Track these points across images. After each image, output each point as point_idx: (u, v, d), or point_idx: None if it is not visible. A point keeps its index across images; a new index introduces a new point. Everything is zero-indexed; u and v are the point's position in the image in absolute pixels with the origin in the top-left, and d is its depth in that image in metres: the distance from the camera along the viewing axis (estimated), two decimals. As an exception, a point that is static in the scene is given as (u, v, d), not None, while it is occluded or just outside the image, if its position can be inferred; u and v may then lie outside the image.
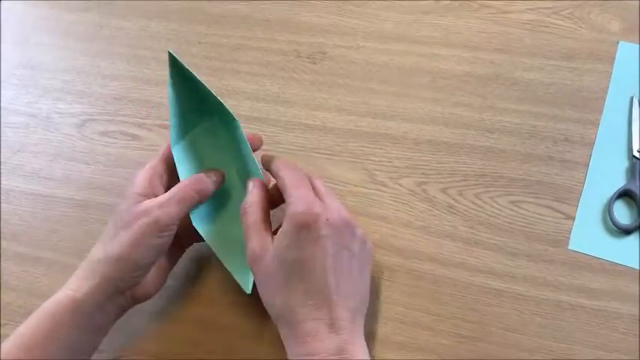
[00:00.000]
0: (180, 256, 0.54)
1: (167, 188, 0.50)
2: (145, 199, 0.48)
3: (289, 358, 0.44)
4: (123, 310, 0.49)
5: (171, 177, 0.52)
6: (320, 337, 0.43)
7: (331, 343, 0.42)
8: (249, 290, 0.51)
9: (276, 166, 0.50)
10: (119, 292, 0.47)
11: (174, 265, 0.53)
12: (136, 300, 0.50)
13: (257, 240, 0.47)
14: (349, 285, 0.45)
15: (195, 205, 0.50)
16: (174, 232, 0.49)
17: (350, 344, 0.43)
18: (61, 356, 0.45)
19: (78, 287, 0.46)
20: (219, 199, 0.55)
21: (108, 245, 0.47)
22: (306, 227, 0.44)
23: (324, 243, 0.44)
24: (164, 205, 0.48)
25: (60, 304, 0.45)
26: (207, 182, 0.51)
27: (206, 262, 0.58)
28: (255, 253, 0.46)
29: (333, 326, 0.43)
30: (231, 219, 0.54)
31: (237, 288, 0.52)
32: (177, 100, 0.51)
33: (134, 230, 0.46)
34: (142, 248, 0.46)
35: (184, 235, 0.52)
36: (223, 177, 0.53)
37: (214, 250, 0.53)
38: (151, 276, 0.50)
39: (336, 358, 0.42)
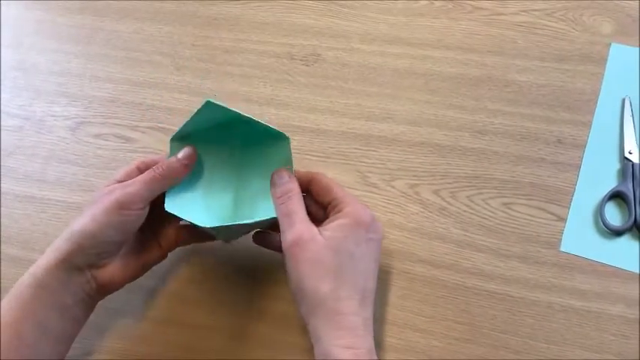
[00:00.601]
0: (159, 256, 0.53)
1: None
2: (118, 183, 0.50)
3: (320, 349, 0.44)
4: (89, 297, 0.49)
5: None
6: (359, 334, 0.44)
7: (367, 342, 0.44)
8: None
9: (314, 173, 0.52)
10: (78, 269, 0.47)
11: (149, 262, 0.52)
12: (101, 287, 0.49)
13: (303, 225, 0.47)
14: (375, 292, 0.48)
15: (166, 186, 0.51)
16: (138, 213, 0.48)
17: (374, 348, 0.45)
18: (34, 337, 0.45)
19: (39, 264, 0.47)
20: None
21: (72, 222, 0.48)
22: (364, 227, 0.47)
23: (374, 245, 0.48)
24: (129, 185, 0.49)
25: (23, 282, 0.46)
26: (176, 165, 0.51)
27: (198, 265, 0.58)
28: (302, 237, 0.46)
29: (366, 326, 0.45)
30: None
31: (225, 290, 0.53)
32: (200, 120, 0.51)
33: (97, 206, 0.47)
34: (102, 225, 0.47)
35: (162, 234, 0.53)
36: (194, 157, 0.52)
37: (212, 225, 0.51)
38: (118, 264, 0.50)
39: (368, 358, 0.43)
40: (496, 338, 0.53)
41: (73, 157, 0.66)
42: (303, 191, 0.50)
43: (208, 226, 0.50)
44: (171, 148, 0.53)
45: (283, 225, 0.48)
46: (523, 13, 0.69)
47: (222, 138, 0.54)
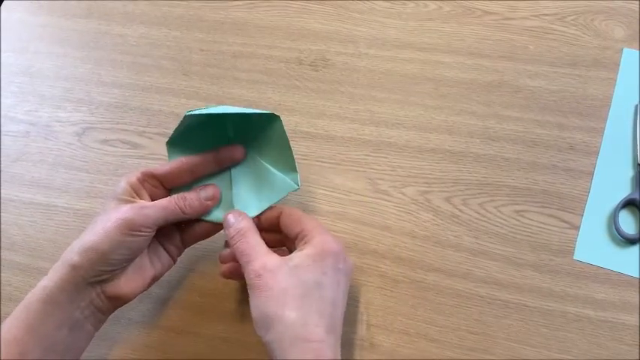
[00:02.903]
0: (167, 264, 0.53)
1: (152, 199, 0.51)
2: (130, 199, 0.49)
3: None
4: (100, 312, 0.49)
5: (158, 189, 0.52)
6: None
7: None
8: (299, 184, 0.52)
9: (284, 207, 0.53)
10: (88, 285, 0.47)
11: (159, 272, 0.52)
12: (112, 301, 0.49)
13: (266, 257, 0.47)
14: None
15: (181, 219, 0.51)
16: (148, 235, 0.49)
17: None
18: (40, 353, 0.45)
19: (49, 277, 0.46)
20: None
21: (83, 235, 0.48)
22: (332, 256, 0.47)
23: (342, 275, 0.48)
24: (147, 207, 0.48)
25: (34, 294, 0.46)
26: (197, 204, 0.51)
27: (210, 275, 0.58)
28: (265, 267, 0.46)
29: (335, 355, 0.44)
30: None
31: (238, 300, 0.52)
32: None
33: (110, 223, 0.47)
34: (113, 242, 0.46)
35: (167, 239, 0.53)
36: (216, 198, 0.53)
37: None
38: (127, 277, 0.49)
39: None
40: (510, 348, 0.52)
41: (80, 163, 0.65)
42: (272, 225, 0.52)
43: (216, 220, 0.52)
44: (169, 152, 0.53)
45: (242, 262, 0.47)
46: (534, 18, 0.68)
47: (217, 129, 0.54)
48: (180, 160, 0.52)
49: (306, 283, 0.45)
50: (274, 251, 0.48)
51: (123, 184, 0.50)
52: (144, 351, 0.55)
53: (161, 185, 0.52)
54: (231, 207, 0.53)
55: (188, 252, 0.55)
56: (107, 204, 0.49)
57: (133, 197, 0.50)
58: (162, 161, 0.63)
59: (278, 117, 0.52)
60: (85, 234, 0.47)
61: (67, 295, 0.46)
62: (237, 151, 0.54)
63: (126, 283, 0.49)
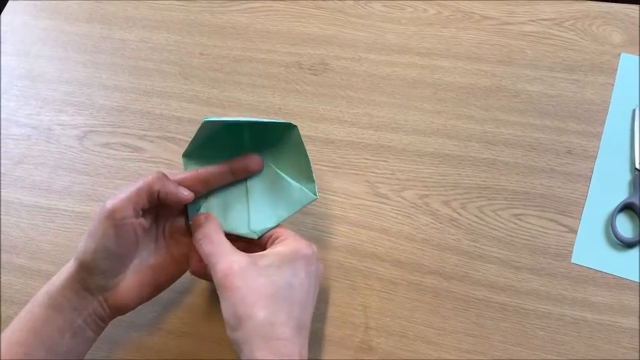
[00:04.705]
0: (175, 273, 0.53)
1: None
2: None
3: None
4: (101, 320, 0.49)
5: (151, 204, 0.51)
6: None
7: None
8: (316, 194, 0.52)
9: None
10: (89, 291, 0.47)
11: (165, 280, 0.52)
12: (113, 309, 0.49)
13: (232, 256, 0.46)
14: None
15: (156, 197, 0.49)
16: (131, 222, 0.47)
17: None
18: (43, 354, 0.45)
19: (54, 282, 0.47)
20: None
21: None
22: (303, 258, 0.48)
23: (313, 278, 0.48)
24: (118, 192, 0.48)
25: (37, 300, 0.47)
26: (166, 184, 0.49)
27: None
28: (232, 267, 0.45)
29: (302, 355, 0.45)
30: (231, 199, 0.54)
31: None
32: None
33: (93, 222, 0.47)
34: (98, 238, 0.46)
35: (175, 248, 0.52)
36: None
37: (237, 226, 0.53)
38: (130, 285, 0.49)
39: None
40: (507, 351, 0.53)
41: (81, 166, 0.65)
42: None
43: (242, 233, 0.52)
44: (185, 163, 0.53)
45: (210, 262, 0.47)
46: (532, 23, 0.69)
47: (233, 139, 0.54)
48: (196, 170, 0.52)
49: (276, 283, 0.45)
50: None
51: (120, 200, 0.48)
52: (144, 352, 0.55)
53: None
54: (247, 218, 0.53)
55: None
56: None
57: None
58: (163, 165, 0.64)
59: (295, 126, 0.51)
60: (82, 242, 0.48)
61: (68, 301, 0.47)
62: (254, 161, 0.53)
63: (129, 291, 0.49)
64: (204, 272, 0.50)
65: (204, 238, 0.49)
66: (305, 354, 0.45)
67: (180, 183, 0.50)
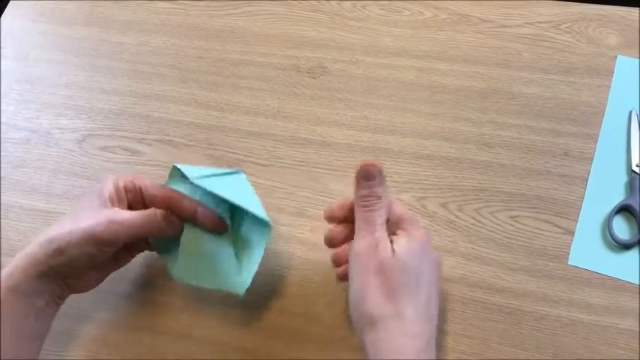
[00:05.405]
0: (125, 260, 0.54)
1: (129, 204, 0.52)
2: (108, 205, 0.49)
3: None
4: (60, 298, 0.50)
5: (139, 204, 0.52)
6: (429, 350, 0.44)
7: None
8: (244, 290, 0.51)
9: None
10: (50, 278, 0.48)
11: (115, 267, 0.53)
12: (73, 290, 0.51)
13: (383, 233, 0.45)
14: None
15: (151, 235, 0.52)
16: (113, 251, 0.50)
17: None
18: (12, 339, 0.46)
19: (17, 265, 0.47)
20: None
21: (54, 226, 0.49)
22: (429, 246, 0.47)
23: (436, 264, 0.47)
24: (115, 222, 0.48)
25: (3, 282, 0.47)
26: (161, 225, 0.50)
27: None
28: (378, 246, 0.44)
29: (430, 345, 0.44)
30: (198, 243, 0.54)
31: (200, 298, 0.55)
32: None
33: (78, 230, 0.47)
34: (75, 249, 0.47)
35: (133, 246, 0.54)
36: (180, 226, 0.53)
37: (186, 279, 0.53)
38: (91, 276, 0.51)
39: None
40: (504, 352, 0.53)
41: (80, 169, 0.66)
42: (346, 216, 0.48)
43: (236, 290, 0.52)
44: (169, 177, 0.54)
45: (362, 230, 0.45)
46: (528, 26, 0.69)
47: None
48: (172, 190, 0.52)
49: (406, 275, 0.44)
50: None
51: (110, 185, 0.51)
52: (104, 348, 0.56)
53: (143, 202, 0.52)
54: (235, 275, 0.53)
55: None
56: (88, 196, 0.51)
57: (113, 202, 0.50)
58: (162, 168, 0.64)
59: (269, 226, 0.51)
60: (56, 224, 0.49)
61: (29, 285, 0.47)
62: (220, 226, 0.53)
63: (89, 281, 0.51)
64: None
65: (372, 199, 0.45)
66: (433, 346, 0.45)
67: (154, 197, 0.52)
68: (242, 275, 0.52)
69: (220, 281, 0.52)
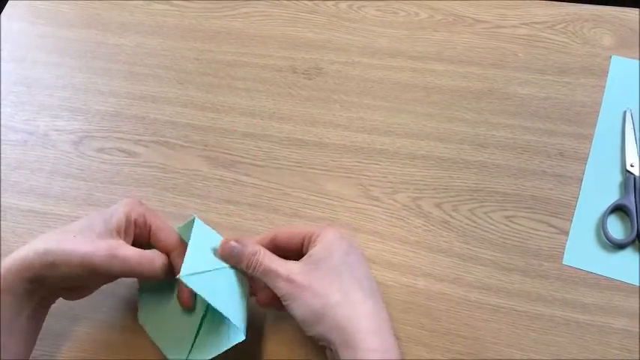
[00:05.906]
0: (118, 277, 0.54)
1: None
2: (115, 236, 0.49)
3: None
4: (53, 298, 0.51)
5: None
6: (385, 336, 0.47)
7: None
8: (243, 335, 0.48)
9: (274, 228, 0.54)
10: (44, 287, 0.48)
11: (107, 281, 0.54)
12: (64, 295, 0.52)
13: (287, 264, 0.48)
14: None
15: (138, 276, 0.52)
16: (106, 280, 0.53)
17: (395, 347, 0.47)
18: (5, 338, 0.46)
19: (9, 268, 0.47)
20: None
21: (54, 233, 0.49)
22: (346, 240, 0.50)
23: (360, 253, 0.51)
24: (116, 257, 0.48)
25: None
26: (157, 272, 0.50)
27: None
28: (293, 272, 0.47)
29: (385, 314, 0.48)
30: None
31: None
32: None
33: (78, 254, 0.47)
34: (73, 271, 0.47)
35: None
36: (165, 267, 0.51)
37: (145, 327, 0.53)
38: (83, 288, 0.53)
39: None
40: (499, 352, 0.53)
41: (77, 171, 0.66)
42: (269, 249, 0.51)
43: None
44: (183, 226, 0.52)
45: (270, 280, 0.48)
46: (524, 26, 0.69)
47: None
48: (177, 242, 0.52)
49: (335, 268, 0.48)
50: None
51: (122, 215, 0.50)
52: (97, 349, 0.56)
53: (148, 238, 0.52)
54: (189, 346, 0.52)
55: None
56: (96, 217, 0.50)
57: (120, 234, 0.49)
58: (158, 169, 0.64)
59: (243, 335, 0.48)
60: (56, 234, 0.49)
61: (23, 288, 0.47)
62: (185, 303, 0.53)
63: (80, 292, 0.52)
64: (270, 301, 0.51)
65: (254, 259, 0.49)
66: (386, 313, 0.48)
67: (161, 240, 0.52)
68: (185, 354, 0.51)
69: (166, 344, 0.52)
